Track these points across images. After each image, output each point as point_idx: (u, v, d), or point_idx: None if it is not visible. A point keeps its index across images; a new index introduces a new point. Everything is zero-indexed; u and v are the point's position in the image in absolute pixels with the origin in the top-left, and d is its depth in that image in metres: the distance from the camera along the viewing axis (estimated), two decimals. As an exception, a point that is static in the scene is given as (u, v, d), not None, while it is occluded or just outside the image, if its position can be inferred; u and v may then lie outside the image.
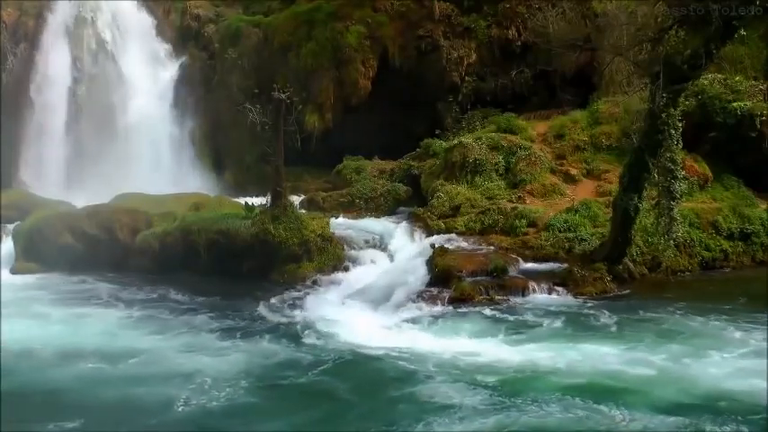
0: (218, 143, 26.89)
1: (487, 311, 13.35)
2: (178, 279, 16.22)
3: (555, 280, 14.57)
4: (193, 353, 11.38)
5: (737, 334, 11.66)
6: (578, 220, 16.84)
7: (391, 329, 12.56)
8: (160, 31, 28.18)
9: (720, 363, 10.46)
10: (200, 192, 22.56)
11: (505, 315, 13.15)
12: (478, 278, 14.55)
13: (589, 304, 13.62)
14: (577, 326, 12.46)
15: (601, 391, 9.45)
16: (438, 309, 13.63)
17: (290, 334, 12.38)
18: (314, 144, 23.13)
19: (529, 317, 13.04)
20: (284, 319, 13.29)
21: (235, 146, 26.12)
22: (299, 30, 25.77)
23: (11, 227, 18.49)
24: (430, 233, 17.15)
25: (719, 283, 15.29)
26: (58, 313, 13.76)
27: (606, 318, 12.81)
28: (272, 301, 14.39)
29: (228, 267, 16.37)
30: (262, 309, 13.94)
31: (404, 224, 18.34)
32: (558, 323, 12.62)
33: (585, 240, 16.09)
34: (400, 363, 10.78)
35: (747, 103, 18.27)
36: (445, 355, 11.00)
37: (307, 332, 12.40)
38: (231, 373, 10.42)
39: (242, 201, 19.27)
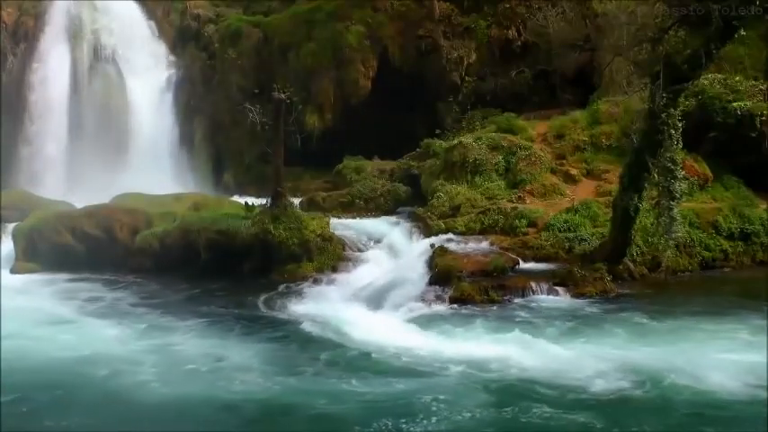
0: (218, 143, 26.90)
1: (494, 311, 13.24)
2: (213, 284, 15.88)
3: (555, 280, 14.53)
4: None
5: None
6: (578, 220, 16.84)
7: (425, 334, 12.14)
8: (160, 31, 28.20)
9: None
10: (200, 192, 22.59)
11: (521, 315, 12.98)
12: (478, 278, 14.52)
13: (595, 304, 13.56)
14: (627, 326, 12.20)
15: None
16: (439, 308, 13.60)
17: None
18: (314, 144, 23.14)
19: (557, 316, 12.75)
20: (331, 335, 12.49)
21: (235, 146, 26.14)
22: (299, 30, 25.78)
23: (11, 227, 18.45)
24: (430, 233, 17.12)
25: (731, 283, 15.14)
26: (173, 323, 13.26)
27: (627, 317, 12.61)
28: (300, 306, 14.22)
29: (228, 267, 16.36)
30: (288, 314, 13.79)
31: (404, 224, 18.32)
32: (601, 323, 12.34)
33: (585, 240, 16.08)
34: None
35: (747, 103, 18.24)
36: (547, 365, 10.33)
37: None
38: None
39: (242, 201, 19.26)
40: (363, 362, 10.86)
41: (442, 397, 9.31)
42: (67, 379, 10.30)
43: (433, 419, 8.73)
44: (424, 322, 12.74)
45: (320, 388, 9.86)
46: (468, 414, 8.88)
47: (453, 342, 11.57)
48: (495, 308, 13.51)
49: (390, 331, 12.27)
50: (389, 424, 8.61)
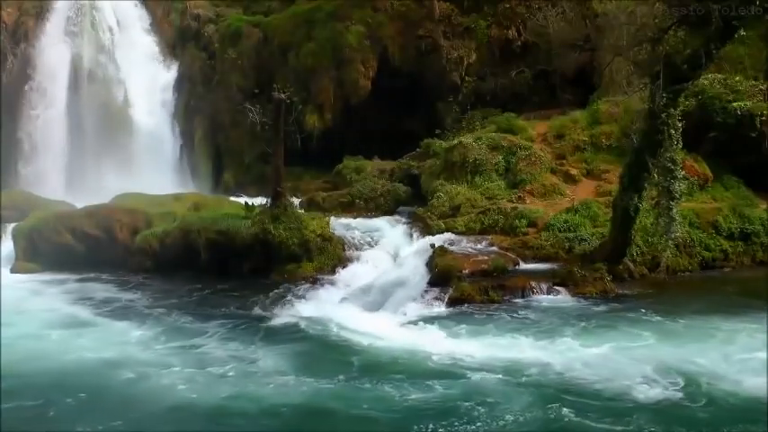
0: (218, 143, 26.91)
1: (500, 313, 13.13)
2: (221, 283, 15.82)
3: (555, 280, 14.51)
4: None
5: None
6: (578, 220, 16.84)
7: (447, 338, 11.94)
8: (160, 32, 28.20)
9: None
10: (200, 192, 22.61)
11: (530, 316, 12.84)
12: (478, 278, 14.50)
13: (599, 304, 13.50)
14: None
15: None
16: (441, 309, 13.56)
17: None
18: (314, 144, 23.14)
19: (566, 317, 12.60)
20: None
21: (235, 146, 26.15)
22: (298, 30, 25.79)
23: (11, 227, 18.47)
24: (430, 233, 17.12)
25: (732, 283, 15.06)
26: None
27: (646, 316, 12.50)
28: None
29: (229, 267, 16.37)
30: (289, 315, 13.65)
31: (404, 224, 18.33)
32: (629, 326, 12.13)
33: (585, 240, 16.09)
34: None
35: (747, 103, 18.25)
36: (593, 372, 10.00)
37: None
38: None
39: (242, 201, 19.27)
40: (391, 365, 10.67)
41: (486, 400, 9.13)
42: (92, 382, 10.13)
43: (477, 423, 8.56)
44: (433, 323, 12.62)
45: (348, 392, 9.71)
46: (511, 417, 8.70)
47: (474, 344, 11.40)
48: (500, 308, 13.41)
49: (401, 333, 12.20)
50: (431, 426, 8.47)
